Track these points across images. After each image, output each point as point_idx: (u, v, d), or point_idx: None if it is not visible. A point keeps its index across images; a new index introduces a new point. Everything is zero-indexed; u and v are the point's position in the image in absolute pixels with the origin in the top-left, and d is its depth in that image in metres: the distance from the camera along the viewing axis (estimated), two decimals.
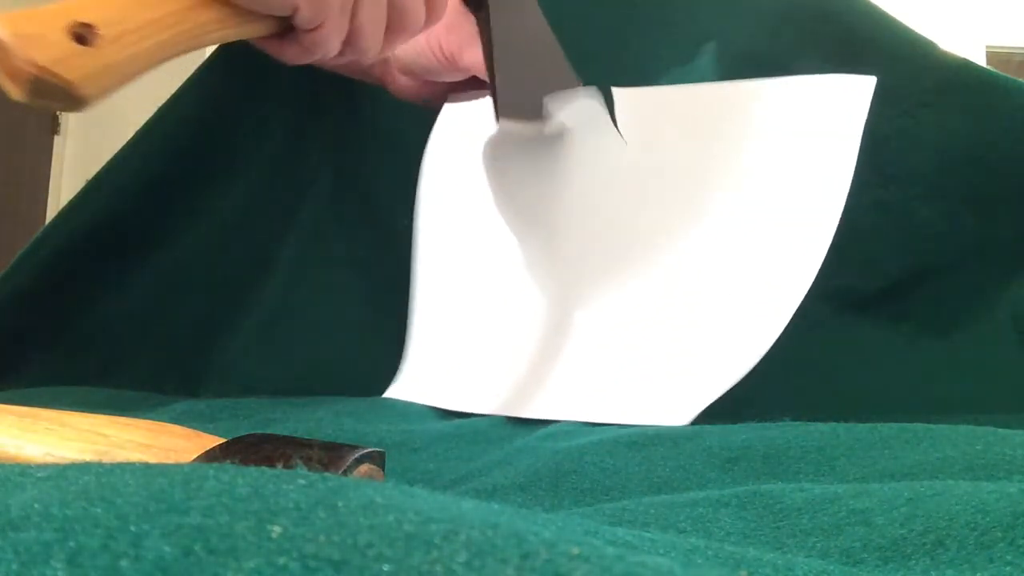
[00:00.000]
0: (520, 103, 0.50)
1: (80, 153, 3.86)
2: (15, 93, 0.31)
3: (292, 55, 0.41)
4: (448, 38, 0.51)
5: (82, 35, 0.32)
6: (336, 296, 0.67)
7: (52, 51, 0.31)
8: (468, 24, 0.50)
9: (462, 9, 0.51)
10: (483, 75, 0.51)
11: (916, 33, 0.59)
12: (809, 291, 0.59)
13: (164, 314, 0.65)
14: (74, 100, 0.32)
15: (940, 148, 0.57)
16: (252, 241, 0.67)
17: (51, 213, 3.81)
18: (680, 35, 0.64)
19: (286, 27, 0.40)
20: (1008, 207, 0.56)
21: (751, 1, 0.63)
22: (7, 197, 3.60)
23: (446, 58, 0.51)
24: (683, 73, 0.63)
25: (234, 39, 0.39)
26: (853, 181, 0.59)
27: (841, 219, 0.59)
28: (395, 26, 0.42)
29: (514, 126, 0.50)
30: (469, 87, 0.56)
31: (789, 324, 0.58)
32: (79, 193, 0.62)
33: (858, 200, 0.59)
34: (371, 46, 0.42)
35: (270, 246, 0.67)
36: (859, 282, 0.58)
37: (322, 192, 0.69)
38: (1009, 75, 0.57)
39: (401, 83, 0.57)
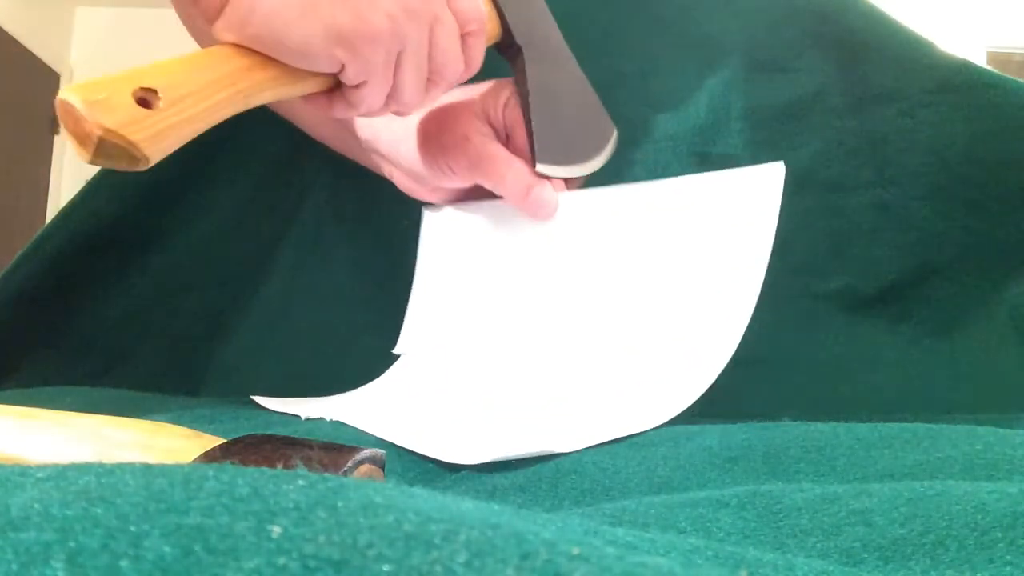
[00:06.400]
0: (558, 148, 0.51)
1: None
2: (82, 155, 0.34)
3: (339, 110, 0.43)
4: (454, 160, 0.52)
5: (146, 99, 0.34)
6: (336, 297, 0.67)
7: (119, 115, 0.33)
8: (477, 136, 0.51)
9: (471, 124, 0.52)
10: (487, 184, 0.52)
11: (916, 33, 0.59)
12: (809, 291, 0.59)
13: (164, 314, 0.65)
14: (136, 160, 0.34)
15: (940, 148, 0.57)
16: (252, 241, 0.67)
17: (51, 213, 3.81)
18: (680, 35, 0.64)
19: (333, 84, 0.42)
20: (1008, 207, 0.56)
21: (751, 2, 0.63)
22: (7, 197, 3.60)
23: (453, 172, 0.52)
24: (682, 74, 0.63)
25: (285, 97, 0.41)
26: (854, 181, 0.59)
27: (841, 219, 0.60)
28: (436, 77, 0.44)
29: (552, 170, 0.51)
30: (477, 191, 0.57)
31: (789, 324, 0.58)
32: (79, 193, 0.62)
33: (858, 200, 0.59)
34: (412, 99, 0.44)
35: (270, 246, 0.67)
36: (859, 282, 0.58)
37: (322, 192, 0.69)
38: (1009, 75, 0.57)
39: (407, 186, 0.58)
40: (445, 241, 0.60)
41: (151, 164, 0.35)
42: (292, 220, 0.68)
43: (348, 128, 0.57)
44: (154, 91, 0.35)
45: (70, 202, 0.62)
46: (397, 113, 0.46)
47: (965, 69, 0.57)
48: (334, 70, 0.40)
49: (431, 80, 0.44)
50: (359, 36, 0.39)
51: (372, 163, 0.60)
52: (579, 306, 0.49)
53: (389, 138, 0.54)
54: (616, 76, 0.62)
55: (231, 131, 0.64)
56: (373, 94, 0.42)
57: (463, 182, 0.54)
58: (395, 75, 0.42)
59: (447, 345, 0.56)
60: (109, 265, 0.63)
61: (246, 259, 0.67)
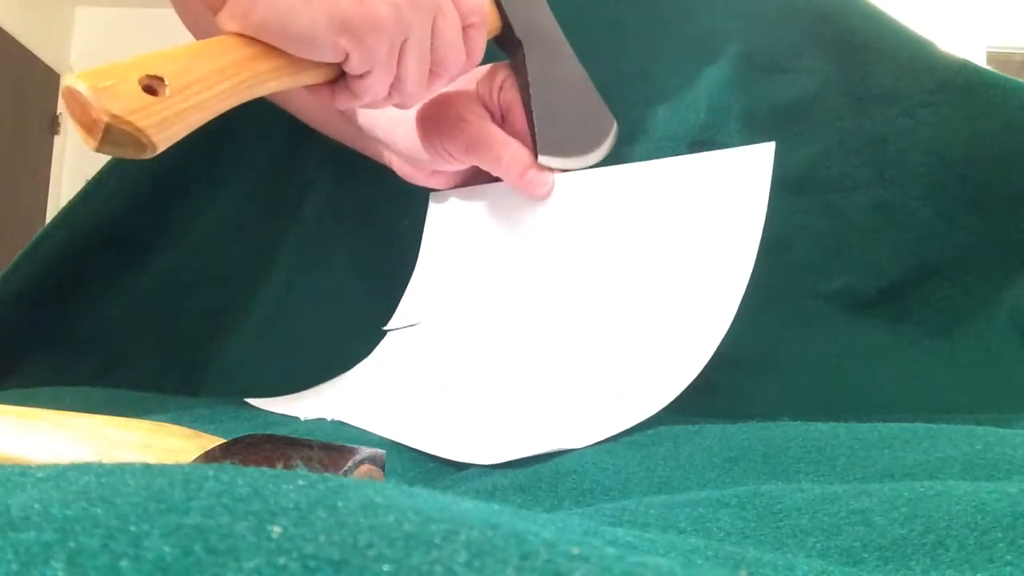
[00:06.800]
0: (559, 140, 0.52)
1: (80, 153, 3.86)
2: (89, 143, 0.34)
3: (343, 100, 0.43)
4: (451, 141, 0.52)
5: (152, 86, 0.35)
6: (335, 296, 0.67)
7: (126, 101, 0.33)
8: (474, 118, 0.52)
9: (467, 106, 0.52)
10: (484, 165, 0.52)
11: (916, 33, 0.59)
12: (809, 291, 0.59)
13: (164, 314, 0.65)
14: (143, 147, 0.34)
15: (940, 148, 0.57)
16: (252, 241, 0.67)
17: (51, 213, 3.81)
18: (680, 35, 0.64)
19: (337, 74, 0.42)
20: (1008, 207, 0.56)
21: (751, 2, 0.63)
22: (7, 197, 3.60)
23: (450, 154, 0.53)
24: (682, 73, 0.63)
25: (289, 87, 0.41)
26: (854, 181, 0.59)
27: (841, 219, 0.60)
28: (438, 69, 0.44)
29: (553, 162, 0.51)
30: (473, 175, 0.58)
31: (790, 324, 0.58)
32: (79, 193, 0.62)
33: (858, 200, 0.59)
34: (415, 90, 0.44)
35: (270, 246, 0.67)
36: (859, 282, 0.58)
37: (322, 192, 0.69)
38: (1009, 75, 0.57)
39: (405, 171, 0.58)
40: (449, 226, 0.60)
41: (158, 151, 0.35)
42: (292, 220, 0.68)
43: (347, 116, 0.57)
44: (160, 78, 0.35)
45: (70, 202, 0.62)
46: (399, 105, 0.46)
47: (965, 69, 0.57)
48: (338, 59, 0.40)
49: (433, 71, 0.44)
50: (363, 25, 0.39)
51: (371, 149, 0.60)
52: (576, 293, 0.50)
53: (387, 124, 0.55)
54: (616, 75, 0.61)
55: (231, 131, 0.65)
56: (377, 84, 0.42)
57: (461, 164, 0.54)
58: (399, 65, 0.42)
59: (439, 328, 0.56)
60: (109, 265, 0.63)
61: (246, 259, 0.67)
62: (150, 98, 0.34)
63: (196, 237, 0.65)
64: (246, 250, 0.67)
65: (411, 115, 0.53)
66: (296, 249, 0.68)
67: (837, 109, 0.60)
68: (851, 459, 0.33)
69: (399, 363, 0.56)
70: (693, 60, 0.62)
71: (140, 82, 0.34)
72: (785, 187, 0.60)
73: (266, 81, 0.39)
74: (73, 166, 3.92)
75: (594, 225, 0.50)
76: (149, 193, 0.63)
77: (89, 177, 0.63)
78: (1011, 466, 0.30)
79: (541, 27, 0.54)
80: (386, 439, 0.43)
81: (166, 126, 0.34)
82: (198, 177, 0.65)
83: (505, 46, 0.52)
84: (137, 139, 0.34)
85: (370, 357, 0.58)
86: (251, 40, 0.39)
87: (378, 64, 0.41)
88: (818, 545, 0.24)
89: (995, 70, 0.58)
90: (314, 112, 0.62)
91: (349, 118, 0.57)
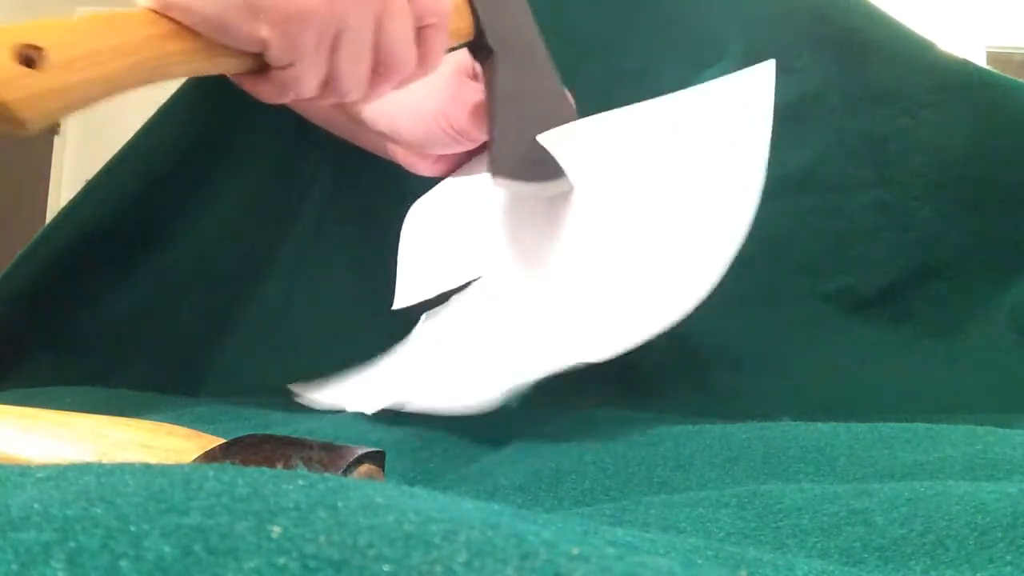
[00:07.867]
0: (518, 163, 0.48)
1: (80, 153, 3.86)
2: None
3: (267, 93, 0.38)
4: (457, 114, 0.50)
5: (30, 57, 0.31)
6: (335, 296, 0.67)
7: None
8: (476, 94, 0.49)
9: (470, 78, 0.50)
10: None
11: (916, 33, 0.59)
12: (809, 291, 0.59)
13: (164, 314, 0.65)
14: (11, 123, 0.31)
15: (940, 148, 0.57)
16: (252, 241, 0.67)
17: (51, 213, 3.81)
18: (680, 35, 0.64)
19: (261, 64, 0.37)
20: (1008, 207, 0.56)
21: (751, 2, 0.63)
22: (7, 197, 3.60)
23: (458, 132, 0.50)
24: (682, 73, 0.63)
25: (200, 74, 0.37)
26: (854, 181, 0.59)
27: (841, 219, 0.60)
28: (382, 69, 0.40)
29: (507, 185, 0.48)
30: (478, 158, 0.57)
31: (789, 324, 0.58)
32: (79, 193, 0.62)
33: (858, 200, 0.59)
34: (352, 88, 0.39)
35: (270, 246, 0.68)
36: (859, 282, 0.58)
37: (322, 192, 0.69)
38: (1009, 75, 0.57)
39: (410, 161, 0.57)
40: (437, 191, 0.58)
41: (31, 129, 0.31)
42: (292, 220, 0.68)
43: (348, 111, 0.56)
44: (40, 49, 0.31)
45: (70, 202, 0.62)
46: (355, 103, 0.42)
47: (965, 69, 0.57)
48: (255, 49, 0.36)
49: (378, 72, 0.40)
50: (284, 12, 0.35)
51: (373, 143, 0.60)
52: (585, 223, 0.47)
53: (390, 115, 0.53)
54: (616, 76, 0.62)
55: (231, 130, 0.65)
56: (303, 79, 0.38)
57: (468, 143, 0.52)
58: (331, 61, 0.38)
59: (450, 288, 0.54)
60: (109, 265, 0.63)
61: (246, 259, 0.67)
62: (22, 70, 0.30)
63: (196, 237, 0.65)
64: (246, 250, 0.67)
65: (413, 103, 0.52)
66: (296, 249, 0.68)
67: (837, 109, 0.60)
68: (851, 459, 0.33)
69: (429, 333, 0.55)
70: (693, 60, 0.63)
71: (14, 51, 0.30)
72: (785, 187, 0.60)
73: (174, 64, 0.35)
74: (73, 166, 3.92)
75: (606, 166, 0.48)
76: (149, 193, 0.63)
77: (89, 177, 0.63)
78: (1011, 466, 0.30)
79: (519, 38, 0.50)
80: (386, 439, 0.43)
81: (39, 102, 0.31)
82: (198, 177, 0.64)
83: (476, 54, 0.49)
84: (4, 113, 0.30)
85: (406, 341, 0.57)
86: (163, 17, 0.34)
87: (303, 57, 0.37)
88: (818, 545, 0.24)
89: (995, 70, 0.58)
90: (313, 108, 0.61)
91: (350, 113, 0.57)
